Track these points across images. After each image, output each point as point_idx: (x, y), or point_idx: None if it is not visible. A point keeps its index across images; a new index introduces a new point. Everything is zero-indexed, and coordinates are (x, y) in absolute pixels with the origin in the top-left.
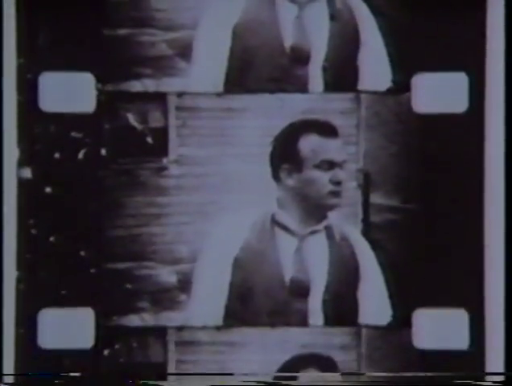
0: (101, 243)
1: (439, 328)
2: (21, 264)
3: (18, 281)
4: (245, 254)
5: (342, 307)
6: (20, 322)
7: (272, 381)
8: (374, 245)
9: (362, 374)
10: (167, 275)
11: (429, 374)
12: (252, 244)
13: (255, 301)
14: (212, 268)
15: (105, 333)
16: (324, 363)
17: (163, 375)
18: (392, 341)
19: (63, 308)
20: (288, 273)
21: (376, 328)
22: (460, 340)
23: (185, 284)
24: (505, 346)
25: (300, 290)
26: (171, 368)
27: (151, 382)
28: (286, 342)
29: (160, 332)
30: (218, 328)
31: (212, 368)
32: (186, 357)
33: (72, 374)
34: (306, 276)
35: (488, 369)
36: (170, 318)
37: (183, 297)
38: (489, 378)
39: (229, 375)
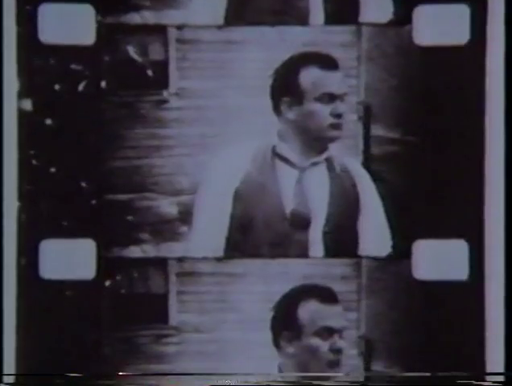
0: (101, 174)
1: (438, 259)
2: (22, 195)
3: (20, 211)
4: (245, 186)
5: (342, 238)
6: (22, 252)
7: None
8: (375, 177)
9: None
10: (168, 206)
11: (428, 374)
12: (253, 176)
13: (256, 233)
14: (212, 200)
15: (107, 264)
16: (324, 294)
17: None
18: (392, 272)
19: (64, 239)
20: (289, 204)
21: (376, 259)
22: (459, 271)
23: (186, 215)
24: (505, 346)
25: (301, 222)
26: (172, 299)
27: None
28: (287, 273)
29: (161, 263)
30: (219, 259)
31: (213, 299)
32: (187, 288)
33: (71, 374)
34: (306, 208)
35: (487, 300)
36: (171, 250)
37: (183, 228)
38: (489, 378)
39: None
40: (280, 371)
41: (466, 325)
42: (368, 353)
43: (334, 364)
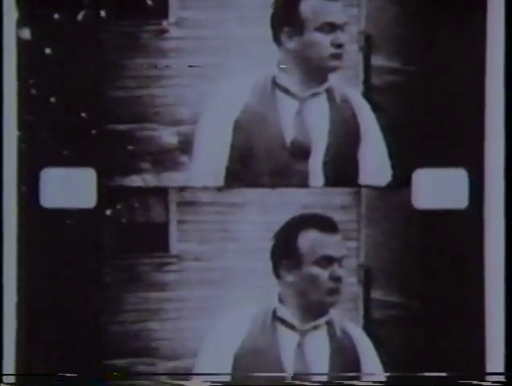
0: (101, 104)
1: (438, 188)
2: (22, 124)
3: (20, 140)
4: (245, 116)
5: (342, 168)
6: (22, 181)
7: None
8: (375, 107)
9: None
10: (168, 136)
11: (427, 374)
12: (253, 107)
13: (256, 163)
14: (213, 130)
15: (107, 193)
16: (324, 223)
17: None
18: (391, 201)
19: (65, 168)
20: (289, 134)
21: (376, 188)
22: (458, 199)
23: (186, 145)
24: (505, 346)
25: (301, 152)
26: (172, 228)
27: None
28: (287, 202)
29: (161, 192)
30: (219, 189)
31: (213, 228)
32: (187, 217)
33: (69, 374)
34: (307, 137)
35: (486, 228)
36: (171, 179)
37: (184, 158)
38: (489, 378)
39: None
40: (280, 299)
41: (465, 253)
42: (367, 281)
43: (334, 292)
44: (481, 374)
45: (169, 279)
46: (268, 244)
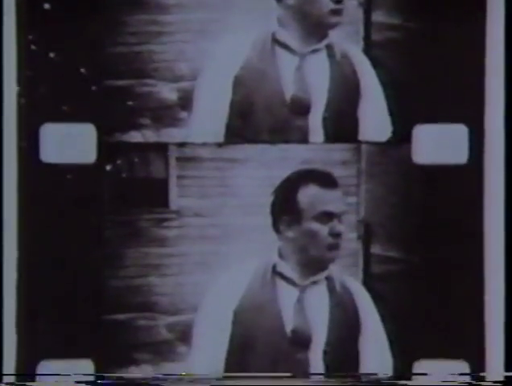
0: (101, 60)
1: (438, 143)
2: (21, 79)
3: (19, 95)
4: (245, 72)
5: (342, 124)
6: (22, 135)
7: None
8: (375, 63)
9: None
10: (168, 92)
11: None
12: (253, 63)
13: (256, 119)
14: (212, 86)
15: (107, 148)
16: (324, 179)
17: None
18: (391, 156)
19: (65, 123)
20: (289, 90)
21: (376, 144)
22: (459, 154)
23: (186, 101)
24: (505, 346)
25: (301, 108)
26: (172, 183)
27: None
28: (287, 158)
29: (161, 148)
30: (219, 145)
31: (213, 184)
32: (187, 173)
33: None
34: (307, 93)
35: (486, 183)
36: (171, 135)
37: (183, 114)
38: (489, 378)
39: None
40: (280, 255)
41: (465, 208)
42: (367, 236)
43: (333, 248)
44: (481, 374)
45: (169, 234)
46: (268, 200)
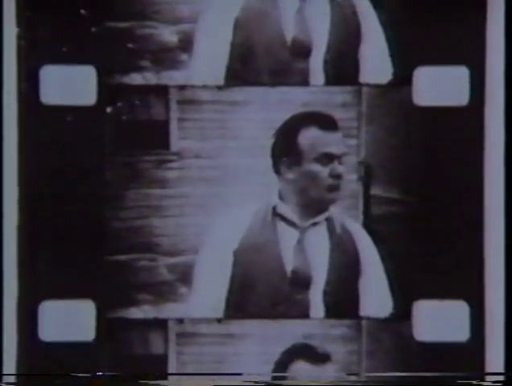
0: (101, 1)
1: (439, 85)
2: (21, 21)
3: (19, 37)
4: (246, 14)
5: (343, 66)
6: (22, 77)
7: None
8: (376, 4)
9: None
10: (169, 34)
11: (428, 374)
12: (253, 5)
13: (256, 61)
14: (213, 29)
15: (107, 90)
16: (325, 121)
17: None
18: (392, 99)
19: (64, 65)
20: (290, 32)
21: (376, 86)
22: (459, 96)
23: (186, 43)
24: (505, 346)
25: (302, 50)
26: (173, 126)
27: None
28: (287, 100)
29: (162, 90)
30: (219, 87)
31: (214, 126)
32: (187, 115)
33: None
34: (307, 36)
35: (487, 123)
36: (171, 77)
37: (184, 56)
38: (489, 378)
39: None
40: (280, 196)
41: (465, 150)
42: (367, 178)
43: (333, 189)
44: (481, 374)
45: (170, 176)
46: (268, 142)
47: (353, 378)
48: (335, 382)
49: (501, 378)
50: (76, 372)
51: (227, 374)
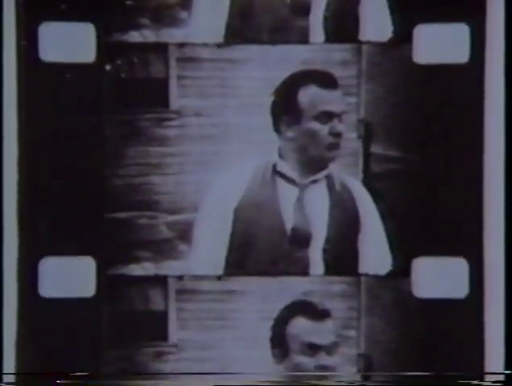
0: None
1: (439, 43)
2: None
3: None
4: None
5: (343, 24)
6: (21, 34)
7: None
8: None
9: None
10: None
11: (427, 374)
12: None
13: (256, 19)
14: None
15: (107, 48)
16: (325, 79)
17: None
18: (392, 57)
19: (63, 22)
20: None
21: (376, 44)
22: (459, 54)
23: (185, 1)
24: (505, 346)
25: (301, 8)
26: (172, 83)
27: None
28: (287, 58)
29: (161, 48)
30: (219, 45)
31: (213, 84)
32: (187, 73)
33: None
34: None
35: (486, 82)
36: (170, 35)
37: (183, 14)
38: (488, 378)
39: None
40: (280, 154)
41: (465, 107)
42: (367, 136)
43: (333, 147)
44: (481, 374)
45: (169, 134)
46: (268, 100)
47: (353, 378)
48: (337, 382)
49: (501, 378)
50: (76, 329)
51: (225, 373)
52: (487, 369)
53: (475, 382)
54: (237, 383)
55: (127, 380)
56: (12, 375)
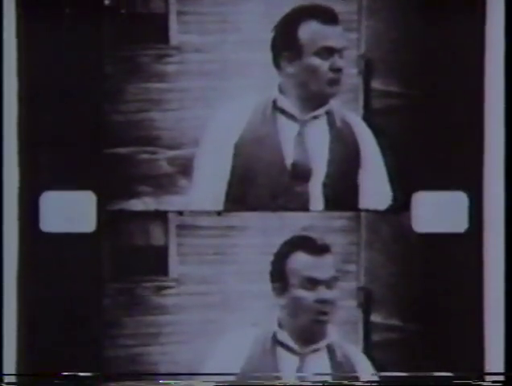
0: None
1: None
2: None
3: None
4: None
5: None
6: None
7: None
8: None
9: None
10: None
11: (427, 374)
12: None
13: None
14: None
15: None
16: (325, 15)
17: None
18: None
19: None
20: None
21: None
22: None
23: None
24: (505, 346)
25: None
26: (172, 19)
27: None
28: None
29: None
30: None
31: (214, 20)
32: (187, 9)
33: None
34: None
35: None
36: None
37: None
38: (488, 378)
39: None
40: (280, 90)
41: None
42: (367, 71)
43: (334, 83)
44: (480, 374)
45: (169, 70)
46: (268, 36)
47: (353, 378)
48: (336, 383)
49: (501, 378)
50: (77, 263)
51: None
52: (487, 369)
53: (474, 382)
54: (237, 384)
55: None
56: (12, 376)
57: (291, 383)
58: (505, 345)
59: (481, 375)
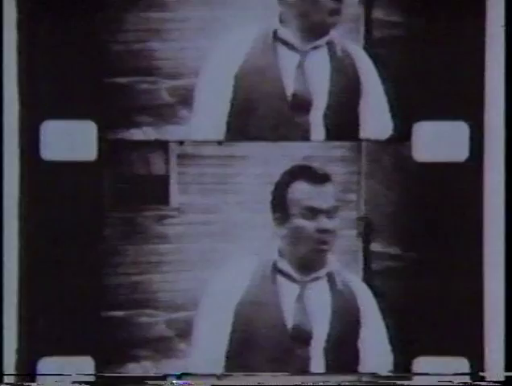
0: None
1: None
2: None
3: None
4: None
5: None
6: None
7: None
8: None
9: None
10: None
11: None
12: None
13: None
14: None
15: None
16: None
17: None
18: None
19: None
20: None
21: None
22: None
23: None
24: (505, 346)
25: None
26: None
27: None
28: None
29: None
30: None
31: None
32: None
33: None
34: None
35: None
36: None
37: None
38: (488, 378)
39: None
40: (281, 20)
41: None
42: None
43: (334, 13)
44: (481, 373)
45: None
46: None
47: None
48: (336, 382)
49: (501, 378)
50: (78, 192)
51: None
52: (487, 368)
53: (475, 382)
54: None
55: None
56: (12, 376)
57: (294, 384)
58: (506, 345)
59: (481, 375)
